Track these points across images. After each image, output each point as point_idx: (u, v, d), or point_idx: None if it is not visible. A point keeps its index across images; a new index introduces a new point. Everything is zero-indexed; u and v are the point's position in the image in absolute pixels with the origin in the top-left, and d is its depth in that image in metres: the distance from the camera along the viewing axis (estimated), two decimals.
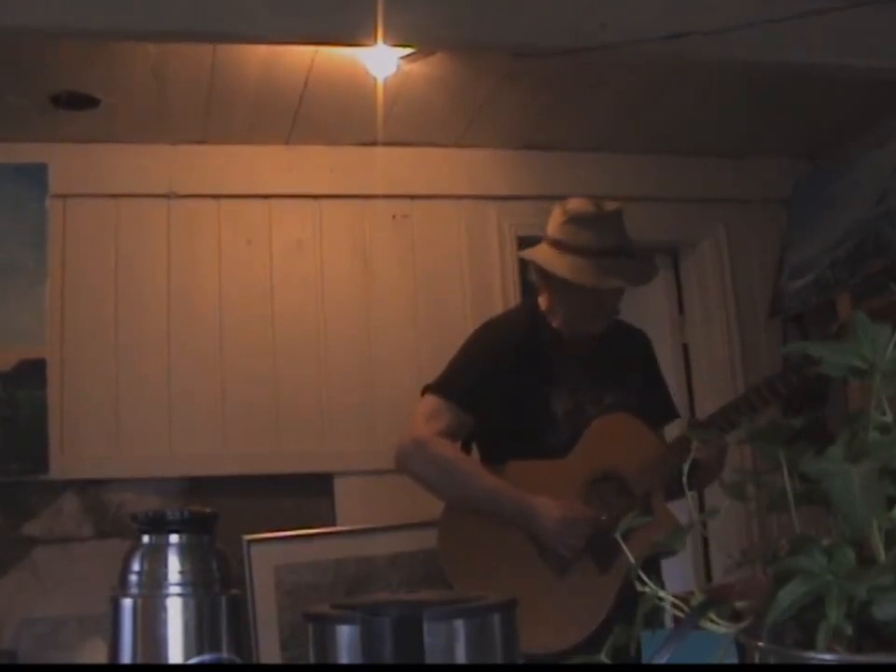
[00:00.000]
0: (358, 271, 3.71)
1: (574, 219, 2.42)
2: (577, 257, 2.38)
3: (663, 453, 2.38)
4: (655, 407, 2.56)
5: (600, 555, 2.31)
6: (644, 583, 0.87)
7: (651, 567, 2.39)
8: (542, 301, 2.55)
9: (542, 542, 2.32)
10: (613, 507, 2.33)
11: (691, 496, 0.97)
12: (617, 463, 2.38)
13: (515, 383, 2.40)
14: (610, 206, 2.45)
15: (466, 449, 2.49)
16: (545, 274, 2.46)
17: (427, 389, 2.46)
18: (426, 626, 0.98)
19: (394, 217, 3.75)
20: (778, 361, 3.79)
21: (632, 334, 2.65)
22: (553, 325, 2.49)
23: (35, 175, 3.39)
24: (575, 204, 2.46)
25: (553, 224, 2.47)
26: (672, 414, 2.67)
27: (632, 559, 0.91)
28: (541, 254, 2.47)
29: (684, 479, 0.98)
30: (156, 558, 1.17)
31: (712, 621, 0.81)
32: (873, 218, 3.39)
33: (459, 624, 1.00)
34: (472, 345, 2.50)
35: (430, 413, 2.40)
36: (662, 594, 0.86)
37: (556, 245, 2.43)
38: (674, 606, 0.85)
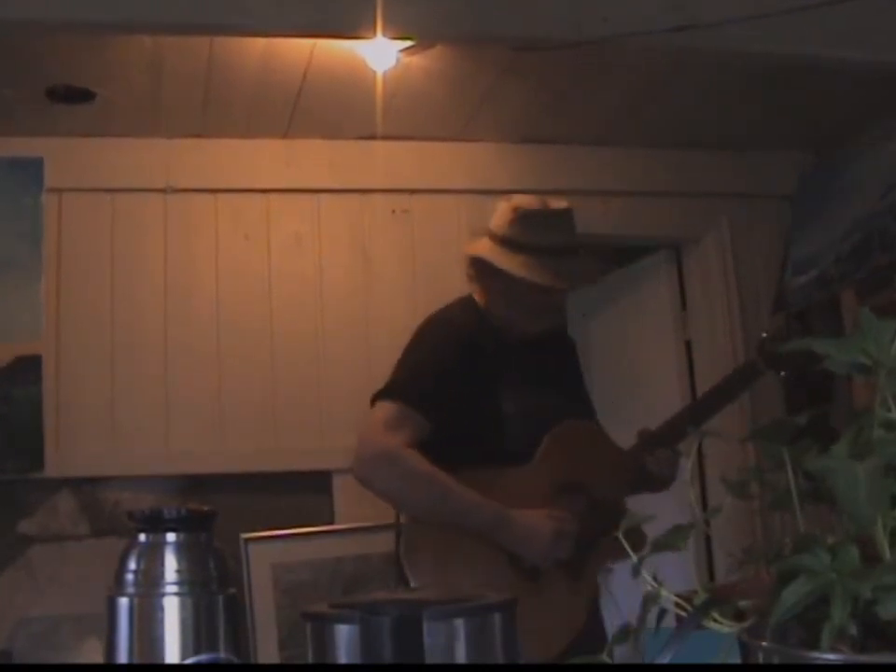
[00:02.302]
0: (358, 266, 3.70)
1: (524, 217, 2.37)
2: (529, 256, 2.33)
3: (621, 460, 2.41)
4: (583, 409, 2.58)
5: (571, 563, 2.28)
6: (647, 582, 0.86)
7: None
8: (478, 298, 2.47)
9: (524, 555, 2.24)
10: (581, 516, 2.30)
11: (693, 494, 0.94)
12: (579, 471, 2.35)
13: (463, 385, 2.28)
14: (560, 205, 2.42)
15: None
16: (490, 272, 2.39)
17: (379, 395, 2.31)
18: (425, 626, 0.97)
19: (394, 211, 3.74)
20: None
21: (562, 337, 2.64)
22: (498, 323, 2.43)
23: (31, 170, 3.38)
24: (524, 201, 2.41)
25: (501, 221, 2.40)
26: (592, 417, 2.66)
27: (634, 558, 0.89)
28: (490, 251, 2.39)
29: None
30: (153, 557, 1.17)
31: (715, 620, 0.81)
32: (878, 213, 3.38)
33: (459, 624, 1.00)
34: (420, 344, 2.38)
35: (388, 420, 2.24)
36: (664, 592, 0.85)
37: (505, 242, 2.37)
38: (677, 605, 0.84)
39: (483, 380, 2.33)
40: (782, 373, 2.49)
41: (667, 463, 2.39)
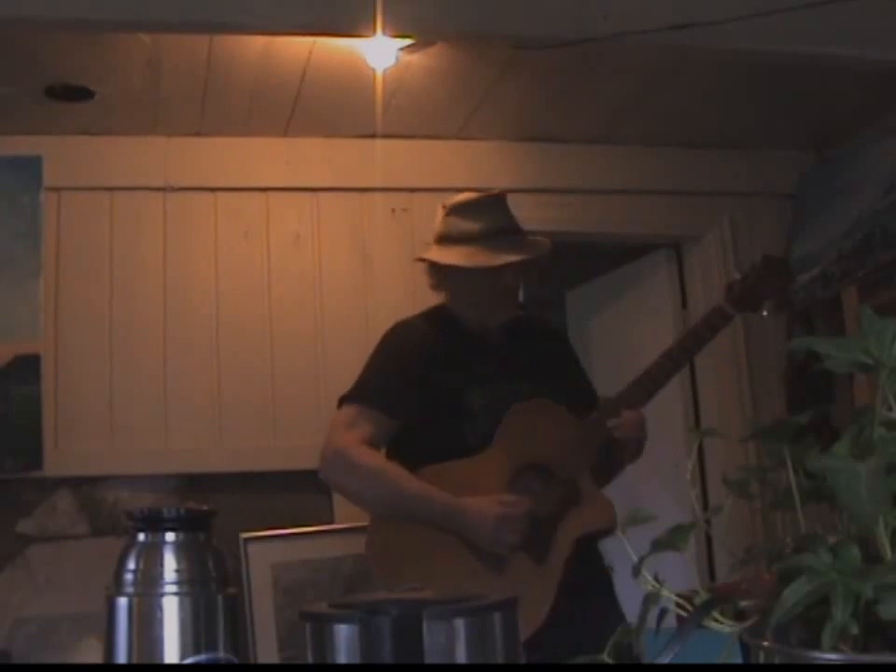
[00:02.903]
0: (357, 265, 3.69)
1: (454, 210, 2.45)
2: (464, 245, 2.40)
3: (581, 433, 2.35)
4: (581, 396, 2.51)
5: (534, 547, 2.27)
6: (648, 581, 0.86)
7: (591, 548, 2.37)
8: (447, 300, 2.54)
9: (477, 544, 2.26)
10: (541, 496, 2.29)
11: (694, 494, 0.94)
12: (538, 450, 2.33)
13: (427, 381, 2.36)
14: (491, 192, 2.50)
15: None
16: (439, 271, 2.47)
17: (341, 399, 2.40)
18: (425, 625, 0.96)
19: (393, 210, 3.74)
20: (783, 356, 3.79)
21: (546, 330, 2.68)
22: (462, 320, 2.48)
23: (29, 168, 3.38)
24: (453, 198, 2.50)
25: (437, 222, 2.50)
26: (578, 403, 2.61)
27: (634, 557, 0.89)
28: (432, 253, 2.48)
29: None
30: (151, 556, 1.16)
31: (716, 620, 0.80)
32: (880, 211, 3.38)
33: (459, 623, 0.98)
34: (381, 349, 2.47)
35: (348, 421, 2.34)
36: (665, 592, 0.85)
37: (442, 239, 2.46)
38: (677, 605, 0.84)
39: (446, 376, 2.38)
40: (764, 312, 2.50)
41: (633, 426, 2.33)
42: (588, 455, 2.32)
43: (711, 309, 2.45)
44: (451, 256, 2.41)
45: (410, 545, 2.29)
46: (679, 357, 2.41)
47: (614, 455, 2.38)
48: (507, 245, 2.39)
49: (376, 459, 2.32)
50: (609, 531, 2.23)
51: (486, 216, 2.42)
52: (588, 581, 2.30)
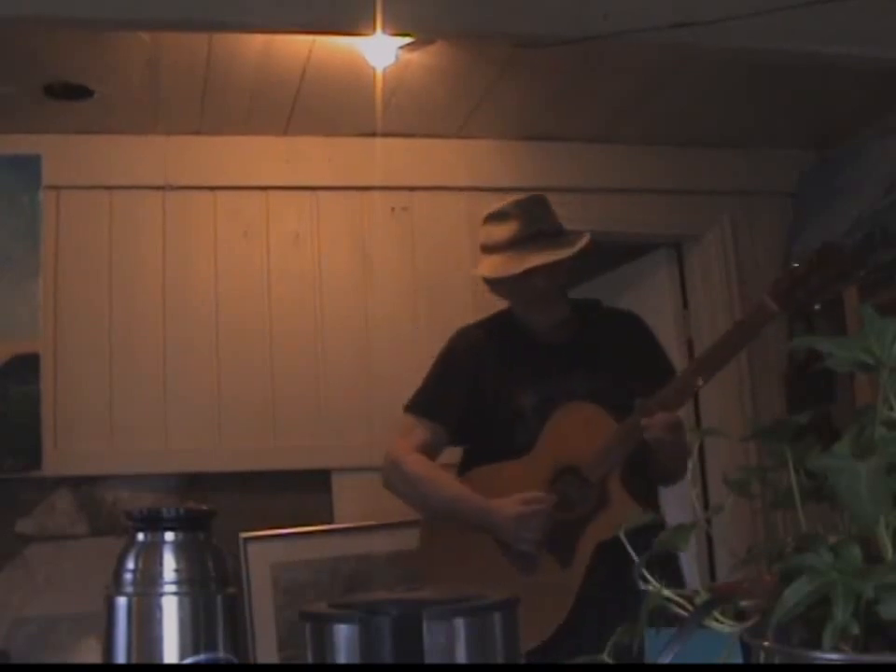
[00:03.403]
0: (357, 264, 3.68)
1: (488, 219, 2.47)
2: (494, 254, 2.43)
3: (614, 436, 2.31)
4: (654, 385, 2.38)
5: (561, 550, 2.29)
6: (647, 581, 0.85)
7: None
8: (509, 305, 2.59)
9: (503, 541, 2.32)
10: (568, 498, 2.31)
11: (695, 493, 0.94)
12: (575, 454, 2.34)
13: (478, 386, 2.45)
14: (524, 196, 2.49)
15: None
16: (486, 280, 2.51)
17: (404, 409, 2.54)
18: (425, 625, 0.97)
19: (393, 209, 3.73)
20: (784, 355, 3.78)
21: (615, 317, 2.62)
22: (520, 323, 2.52)
23: (29, 167, 3.37)
24: (492, 207, 2.51)
25: (479, 232, 2.53)
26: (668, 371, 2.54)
27: (635, 557, 0.89)
28: (478, 266, 2.53)
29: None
30: (151, 556, 1.16)
31: (717, 620, 0.80)
32: (880, 210, 3.37)
33: (459, 623, 0.99)
34: (439, 357, 2.56)
35: (404, 430, 2.50)
36: (666, 592, 0.84)
37: (482, 250, 2.49)
38: (678, 605, 0.84)
39: (498, 378, 2.44)
40: (816, 306, 2.33)
41: (662, 426, 2.22)
42: (618, 458, 2.29)
43: (753, 305, 2.29)
44: (482, 267, 2.46)
45: (453, 546, 2.39)
46: (716, 358, 2.31)
47: (651, 459, 2.32)
48: (535, 249, 2.38)
49: (421, 466, 2.45)
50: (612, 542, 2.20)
51: (515, 221, 2.42)
52: (611, 587, 2.27)
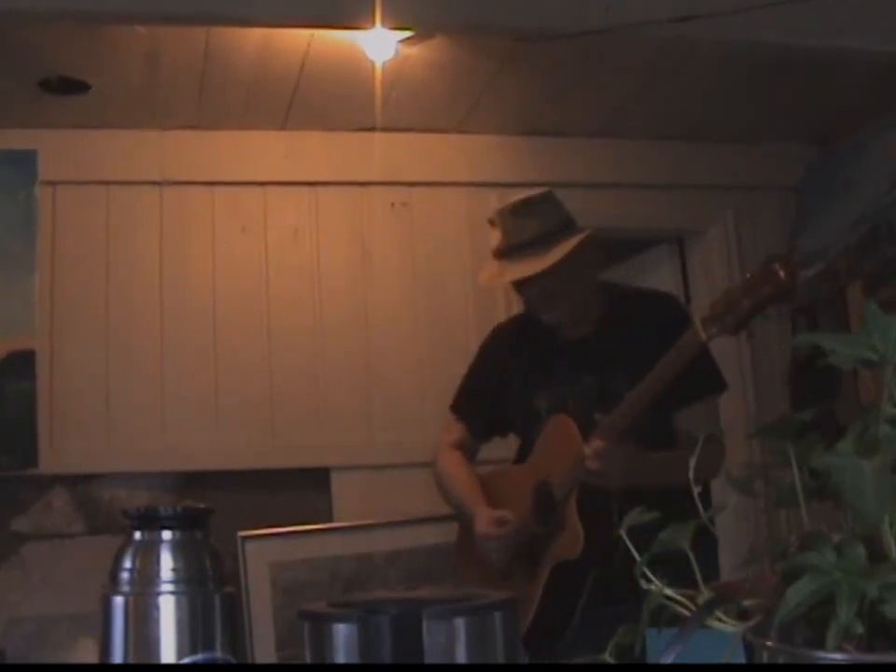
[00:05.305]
0: (356, 260, 3.68)
1: (490, 223, 2.39)
2: (495, 259, 2.36)
3: (575, 456, 2.18)
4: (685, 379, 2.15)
5: (529, 565, 2.27)
6: (649, 580, 0.85)
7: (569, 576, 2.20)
8: None
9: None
10: (546, 514, 2.27)
11: (696, 492, 0.93)
12: (552, 468, 2.29)
13: (504, 384, 2.46)
14: (525, 195, 2.36)
15: None
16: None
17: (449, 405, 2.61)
18: (425, 625, 0.96)
19: (392, 204, 3.72)
20: (787, 353, 3.77)
21: (645, 305, 2.42)
22: (541, 325, 2.43)
23: (25, 162, 3.36)
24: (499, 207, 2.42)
25: None
26: (713, 386, 2.38)
27: (637, 557, 0.88)
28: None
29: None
30: (148, 555, 1.15)
31: (719, 619, 0.80)
32: (886, 204, 3.37)
33: (459, 623, 0.99)
34: (476, 354, 2.59)
35: (445, 428, 2.58)
36: (668, 591, 0.84)
37: (492, 255, 2.41)
38: (680, 604, 0.83)
39: (521, 378, 2.43)
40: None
41: (593, 457, 2.08)
42: (576, 478, 2.18)
43: (687, 332, 2.08)
44: (484, 275, 2.42)
45: (467, 546, 2.42)
46: (649, 388, 2.10)
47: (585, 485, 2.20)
48: (516, 259, 2.29)
49: (448, 463, 2.51)
50: (572, 562, 2.15)
51: (498, 231, 2.34)
52: (557, 612, 2.21)
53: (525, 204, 2.34)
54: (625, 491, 2.06)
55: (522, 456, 2.43)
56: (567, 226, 2.33)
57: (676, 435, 2.30)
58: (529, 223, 2.32)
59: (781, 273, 1.92)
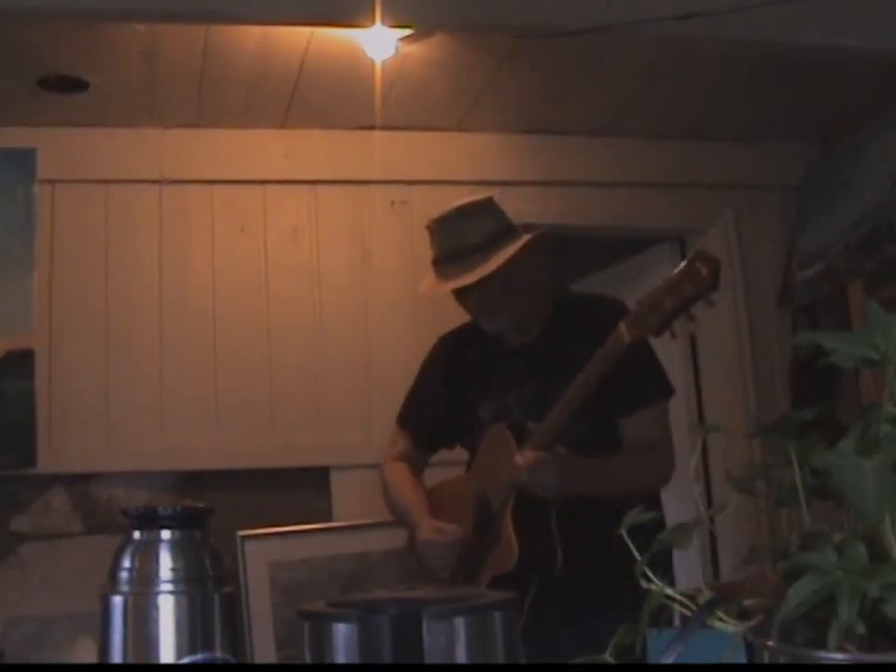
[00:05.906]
0: (356, 259, 3.67)
1: (428, 230, 2.36)
2: (431, 268, 2.33)
3: (510, 468, 2.13)
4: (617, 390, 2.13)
5: (466, 578, 2.22)
6: (650, 580, 0.85)
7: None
8: None
9: None
10: (483, 526, 2.22)
11: (699, 490, 0.92)
12: (488, 480, 2.25)
13: (449, 395, 2.42)
14: (464, 202, 2.31)
15: None
16: None
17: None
18: (425, 625, 0.97)
19: (392, 203, 3.71)
20: (788, 352, 3.76)
21: (585, 309, 2.35)
22: (484, 334, 2.36)
23: (23, 160, 3.36)
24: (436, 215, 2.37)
25: None
26: (659, 392, 2.34)
27: (638, 556, 0.88)
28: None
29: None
30: (147, 555, 1.16)
31: (720, 619, 0.80)
32: (887, 203, 3.36)
33: (459, 623, 0.99)
34: (420, 366, 2.55)
35: (391, 439, 2.55)
36: (668, 591, 0.84)
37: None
38: (681, 604, 0.84)
39: (465, 388, 2.39)
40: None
41: (525, 467, 2.04)
42: (509, 490, 2.15)
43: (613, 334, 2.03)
44: (421, 283, 2.38)
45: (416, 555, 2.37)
46: (577, 392, 2.06)
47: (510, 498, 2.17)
48: (448, 270, 2.25)
49: (392, 473, 2.47)
50: (508, 575, 2.10)
51: (432, 241, 2.32)
52: None
53: (464, 212, 2.28)
54: (563, 499, 2.07)
55: (469, 467, 2.40)
56: (508, 232, 2.25)
57: (622, 442, 2.26)
58: (468, 231, 2.25)
59: (703, 272, 1.92)
